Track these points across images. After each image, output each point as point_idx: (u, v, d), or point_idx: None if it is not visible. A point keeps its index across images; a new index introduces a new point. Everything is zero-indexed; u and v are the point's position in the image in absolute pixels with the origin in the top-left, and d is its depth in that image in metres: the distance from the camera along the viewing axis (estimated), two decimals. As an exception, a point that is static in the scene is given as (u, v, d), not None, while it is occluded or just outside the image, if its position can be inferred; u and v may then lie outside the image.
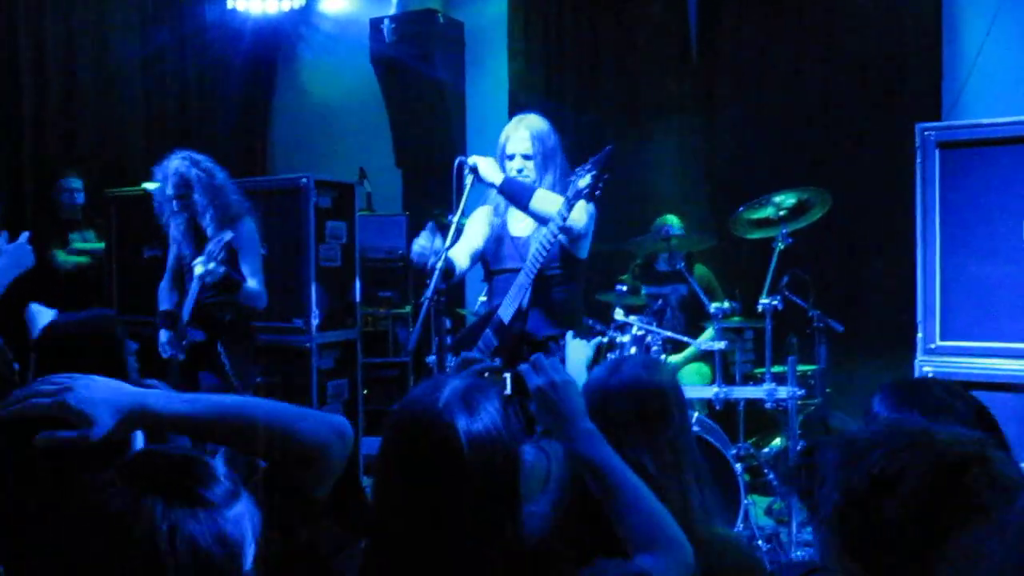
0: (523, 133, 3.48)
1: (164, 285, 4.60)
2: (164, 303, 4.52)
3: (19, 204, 6.11)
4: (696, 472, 1.85)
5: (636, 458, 1.72)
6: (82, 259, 5.99)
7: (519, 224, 3.56)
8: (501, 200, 3.54)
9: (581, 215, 3.32)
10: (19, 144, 6.16)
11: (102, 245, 5.99)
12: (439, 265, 3.05)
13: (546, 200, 3.33)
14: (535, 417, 1.66)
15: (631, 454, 1.71)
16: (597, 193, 3.11)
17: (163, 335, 4.34)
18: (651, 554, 1.51)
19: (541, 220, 3.34)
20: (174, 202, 4.34)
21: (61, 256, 5.96)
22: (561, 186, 3.40)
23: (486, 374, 1.72)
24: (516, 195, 3.36)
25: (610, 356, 4.39)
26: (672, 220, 5.26)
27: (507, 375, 1.69)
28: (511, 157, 3.47)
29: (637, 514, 1.54)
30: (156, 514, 1.08)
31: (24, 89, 6.16)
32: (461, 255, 3.47)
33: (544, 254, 3.23)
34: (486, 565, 1.44)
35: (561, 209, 3.17)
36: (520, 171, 3.45)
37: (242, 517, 1.14)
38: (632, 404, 1.80)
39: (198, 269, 4.14)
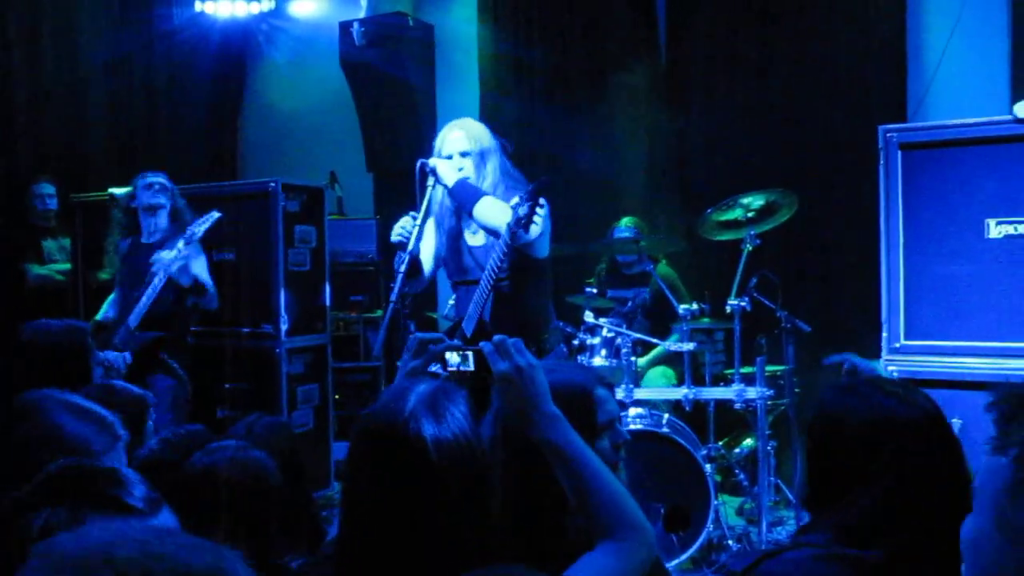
0: (458, 133, 3.48)
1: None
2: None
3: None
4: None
5: None
6: (56, 276, 5.91)
7: (475, 234, 3.52)
8: (446, 212, 3.51)
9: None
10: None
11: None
12: (402, 268, 3.04)
13: (491, 208, 3.32)
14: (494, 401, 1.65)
15: None
16: (533, 223, 3.13)
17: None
18: (614, 540, 1.52)
19: (484, 227, 3.36)
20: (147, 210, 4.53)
21: (35, 269, 5.88)
22: (504, 186, 3.42)
23: (447, 365, 1.71)
24: (463, 198, 3.36)
25: (580, 359, 4.40)
26: (628, 222, 5.26)
27: (469, 353, 1.67)
28: (448, 157, 3.46)
29: (601, 498, 1.54)
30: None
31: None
32: (425, 259, 3.46)
33: (496, 271, 3.22)
34: (459, 570, 1.43)
35: (504, 235, 3.16)
36: (460, 169, 3.43)
37: (168, 522, 1.16)
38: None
39: (168, 254, 4.23)
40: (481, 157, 3.43)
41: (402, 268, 3.04)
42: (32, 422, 1.76)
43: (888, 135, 3.52)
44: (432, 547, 1.42)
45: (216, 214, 4.42)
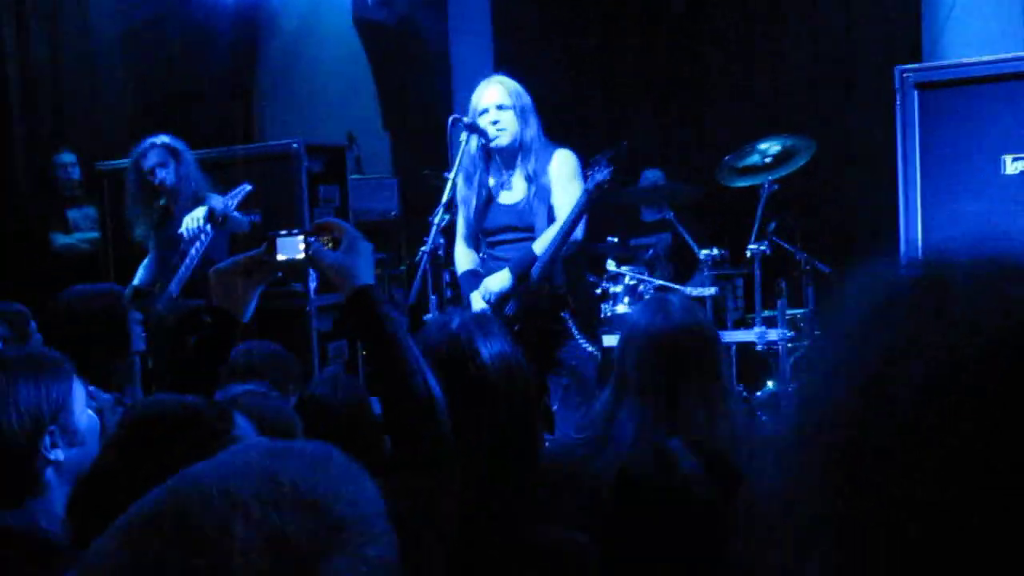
0: (495, 87, 3.44)
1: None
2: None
3: (12, 187, 6.12)
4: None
5: (697, 398, 1.80)
6: (81, 245, 6.00)
7: (508, 191, 3.54)
8: (477, 170, 3.52)
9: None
10: (7, 126, 6.14)
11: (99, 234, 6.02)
12: (436, 220, 3.11)
13: (547, 237, 3.37)
14: None
15: (693, 394, 1.80)
16: (607, 186, 3.18)
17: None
18: None
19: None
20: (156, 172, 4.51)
21: (60, 239, 5.97)
22: (539, 144, 3.44)
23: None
24: (522, 266, 3.38)
25: (604, 307, 4.48)
26: (656, 173, 5.32)
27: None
28: (484, 111, 3.41)
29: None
30: None
31: (9, 67, 6.14)
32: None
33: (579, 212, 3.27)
34: (509, 485, 1.57)
35: (580, 197, 3.22)
36: (495, 123, 3.39)
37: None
38: (695, 346, 1.84)
39: (193, 222, 4.25)
40: (521, 112, 3.41)
41: (436, 219, 3.11)
42: None
43: (904, 75, 3.54)
44: (491, 457, 1.56)
45: (248, 187, 4.37)
